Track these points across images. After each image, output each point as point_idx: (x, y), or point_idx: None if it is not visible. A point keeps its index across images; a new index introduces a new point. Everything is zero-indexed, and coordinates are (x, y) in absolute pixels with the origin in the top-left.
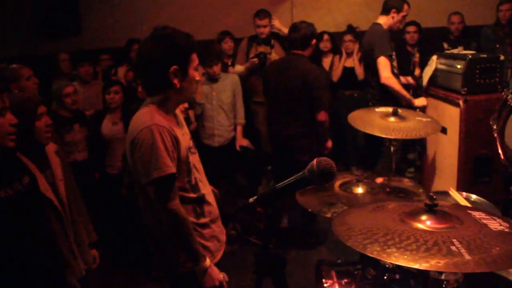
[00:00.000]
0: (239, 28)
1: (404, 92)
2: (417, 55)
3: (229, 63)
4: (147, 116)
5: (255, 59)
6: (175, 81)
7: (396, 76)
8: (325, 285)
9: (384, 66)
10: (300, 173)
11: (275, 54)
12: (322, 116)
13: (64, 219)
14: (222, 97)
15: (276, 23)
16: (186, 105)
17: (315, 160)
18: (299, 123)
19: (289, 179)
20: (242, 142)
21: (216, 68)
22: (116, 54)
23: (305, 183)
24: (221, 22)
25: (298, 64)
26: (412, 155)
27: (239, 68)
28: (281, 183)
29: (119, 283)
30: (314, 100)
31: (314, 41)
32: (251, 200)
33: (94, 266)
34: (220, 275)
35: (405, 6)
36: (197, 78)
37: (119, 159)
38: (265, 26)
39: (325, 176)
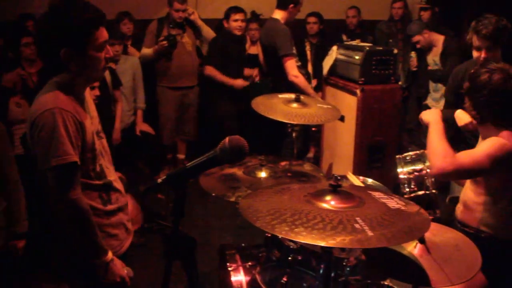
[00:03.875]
0: (140, 9)
1: (310, 90)
2: (307, 46)
3: (129, 45)
4: (50, 98)
5: (165, 42)
6: (70, 64)
7: (300, 68)
8: (229, 268)
9: (291, 65)
10: (211, 152)
11: (187, 38)
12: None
13: None
14: (122, 80)
15: (196, 15)
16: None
17: (227, 138)
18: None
19: (199, 158)
20: (142, 126)
21: (119, 48)
22: (3, 29)
23: (216, 162)
24: (120, 2)
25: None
26: (310, 143)
27: (147, 51)
28: (192, 163)
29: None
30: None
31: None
32: (159, 180)
33: None
34: (123, 270)
35: None
36: (106, 55)
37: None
38: (183, 11)
39: (237, 154)
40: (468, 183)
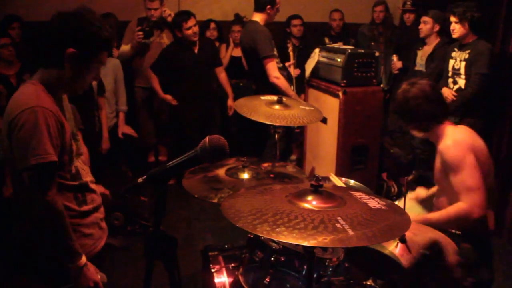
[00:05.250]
0: (125, 10)
1: (290, 92)
2: (290, 48)
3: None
4: (32, 95)
5: (140, 32)
6: (67, 65)
7: (282, 69)
8: (212, 270)
9: (272, 67)
10: (192, 151)
11: (166, 39)
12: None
13: None
14: (103, 82)
15: (172, 16)
16: None
17: (207, 138)
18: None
19: (180, 158)
20: (125, 129)
21: None
22: None
23: (196, 161)
24: (105, 3)
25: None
26: (294, 145)
27: (125, 48)
28: (172, 162)
29: None
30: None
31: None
32: (140, 180)
33: None
34: (96, 275)
35: None
36: (93, 75)
37: None
38: (155, 9)
39: (217, 154)
40: (438, 192)
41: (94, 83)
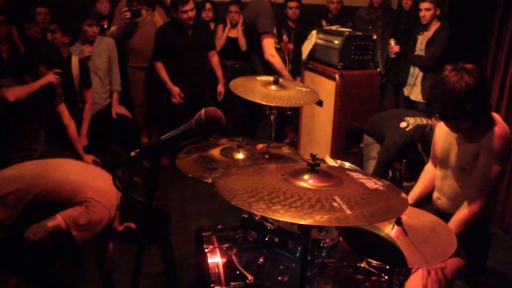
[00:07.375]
0: None
1: (285, 72)
2: (285, 35)
3: (105, 25)
4: (113, 203)
5: (127, 13)
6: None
7: (278, 50)
8: (206, 250)
9: (269, 43)
10: (187, 124)
11: (158, 17)
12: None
13: None
14: (97, 62)
15: None
16: None
17: (203, 110)
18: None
19: (174, 131)
20: (119, 109)
21: (96, 29)
22: None
23: (192, 135)
24: None
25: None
26: (288, 128)
27: (112, 29)
28: (166, 135)
29: None
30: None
31: None
32: (133, 153)
33: None
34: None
35: None
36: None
37: None
38: None
39: (213, 126)
40: (450, 175)
41: (76, 76)
